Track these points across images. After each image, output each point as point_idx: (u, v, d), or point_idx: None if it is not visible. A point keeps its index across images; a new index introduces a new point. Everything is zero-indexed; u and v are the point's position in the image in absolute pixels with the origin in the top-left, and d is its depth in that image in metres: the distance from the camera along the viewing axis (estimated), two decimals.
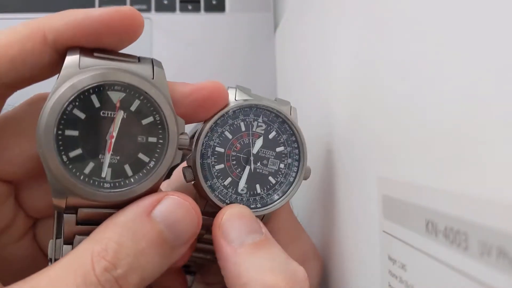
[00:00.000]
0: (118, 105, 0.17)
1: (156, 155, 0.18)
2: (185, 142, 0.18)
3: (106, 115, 0.17)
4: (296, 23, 0.37)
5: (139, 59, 0.19)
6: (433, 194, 0.14)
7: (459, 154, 0.13)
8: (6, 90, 0.17)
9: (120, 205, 0.17)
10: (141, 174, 0.18)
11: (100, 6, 0.47)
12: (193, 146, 0.20)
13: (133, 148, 0.18)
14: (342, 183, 0.23)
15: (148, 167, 0.18)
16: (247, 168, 0.21)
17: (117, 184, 0.17)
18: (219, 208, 0.20)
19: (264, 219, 0.22)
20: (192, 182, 0.21)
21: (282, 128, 0.22)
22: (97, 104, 0.17)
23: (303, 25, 0.34)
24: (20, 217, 0.20)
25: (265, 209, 0.21)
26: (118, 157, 0.17)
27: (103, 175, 0.17)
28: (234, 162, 0.21)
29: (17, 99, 0.19)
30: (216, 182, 0.21)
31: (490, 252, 0.11)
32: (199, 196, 0.21)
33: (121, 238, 0.15)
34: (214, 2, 0.49)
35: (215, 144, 0.21)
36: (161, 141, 0.18)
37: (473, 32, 0.12)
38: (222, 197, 0.21)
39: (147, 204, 0.16)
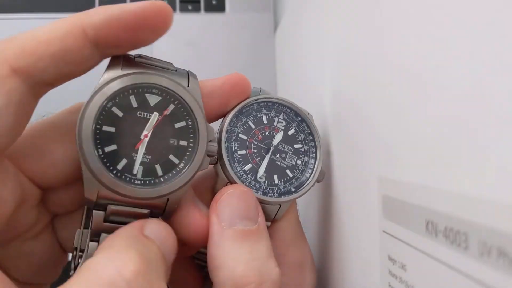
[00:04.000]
0: (154, 107, 0.18)
1: (186, 158, 0.19)
2: (213, 149, 0.19)
3: (142, 115, 0.18)
4: (296, 23, 0.37)
5: (176, 70, 0.20)
6: (433, 194, 0.14)
7: (459, 154, 0.13)
8: (43, 88, 0.17)
9: (147, 205, 0.18)
10: (170, 175, 0.18)
11: (100, 5, 0.47)
12: (218, 131, 0.22)
13: (165, 149, 0.18)
14: (342, 183, 0.23)
15: (178, 169, 0.18)
16: (267, 157, 0.22)
17: (147, 182, 0.18)
18: None
19: (278, 212, 0.22)
20: (213, 165, 0.22)
21: (301, 127, 0.24)
22: (134, 104, 0.18)
23: (303, 25, 0.34)
24: (42, 214, 0.20)
25: (281, 199, 0.22)
26: (150, 157, 0.18)
27: (134, 171, 0.18)
28: (255, 151, 0.22)
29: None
30: (237, 166, 0.22)
31: (490, 252, 0.11)
32: (217, 182, 0.22)
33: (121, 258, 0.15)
34: (214, 2, 0.49)
35: (239, 131, 0.22)
36: (191, 145, 0.19)
37: (475, 30, 0.12)
38: (242, 181, 0.21)
39: (139, 224, 0.17)
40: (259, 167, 0.22)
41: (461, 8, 0.13)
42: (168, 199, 0.18)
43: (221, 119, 0.22)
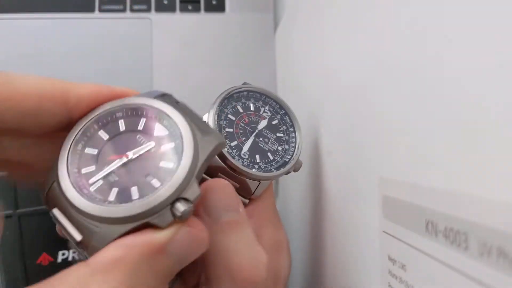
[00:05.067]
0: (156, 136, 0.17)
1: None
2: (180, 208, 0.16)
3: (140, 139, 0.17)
4: (296, 23, 0.37)
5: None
6: (433, 194, 0.14)
7: (460, 154, 0.13)
8: None
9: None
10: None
11: (100, 7, 0.47)
12: (210, 110, 0.23)
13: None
14: (342, 183, 0.23)
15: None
16: (251, 137, 0.24)
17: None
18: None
19: (258, 189, 0.23)
20: None
21: (284, 119, 0.26)
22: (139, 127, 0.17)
23: (303, 25, 0.34)
24: None
25: (263, 174, 0.23)
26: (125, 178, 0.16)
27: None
28: (241, 131, 0.24)
29: None
30: None
31: (490, 252, 0.11)
32: None
33: (132, 281, 0.14)
34: (214, 2, 0.49)
35: (228, 112, 0.24)
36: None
37: (475, 30, 0.12)
38: (228, 153, 0.23)
39: (159, 241, 0.15)
40: (243, 145, 0.24)
41: (460, 8, 0.13)
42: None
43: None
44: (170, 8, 0.48)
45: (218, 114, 0.24)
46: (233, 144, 0.24)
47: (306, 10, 0.32)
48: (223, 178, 0.22)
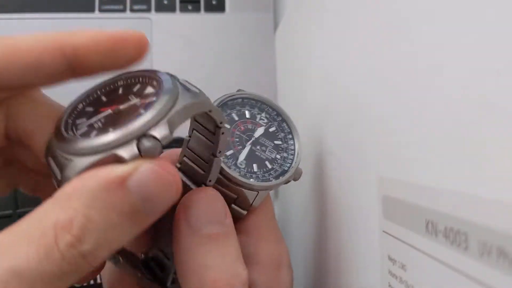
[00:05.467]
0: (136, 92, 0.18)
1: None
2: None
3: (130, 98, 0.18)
4: (296, 23, 0.37)
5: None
6: (433, 194, 0.14)
7: (459, 154, 0.13)
8: (3, 92, 0.17)
9: None
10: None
11: (100, 7, 0.47)
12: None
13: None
14: (342, 183, 0.23)
15: None
16: (247, 145, 0.23)
17: None
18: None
19: (256, 199, 0.22)
20: None
21: (281, 126, 0.25)
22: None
23: (303, 25, 0.34)
24: None
25: (260, 184, 0.22)
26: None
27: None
28: (237, 140, 0.23)
29: None
30: None
31: (490, 252, 0.11)
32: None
33: (88, 210, 0.13)
34: (214, 2, 0.49)
35: None
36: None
37: (474, 29, 0.12)
38: (223, 163, 0.22)
39: (119, 174, 0.14)
40: (239, 154, 0.23)
41: (459, 9, 0.13)
42: None
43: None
44: (170, 8, 0.48)
45: None
46: (228, 153, 0.23)
47: (306, 10, 0.32)
48: (219, 189, 0.22)
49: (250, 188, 0.22)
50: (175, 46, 0.46)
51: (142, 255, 0.22)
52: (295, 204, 0.35)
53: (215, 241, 0.18)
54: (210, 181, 0.20)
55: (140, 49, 0.17)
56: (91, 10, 0.47)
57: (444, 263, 0.13)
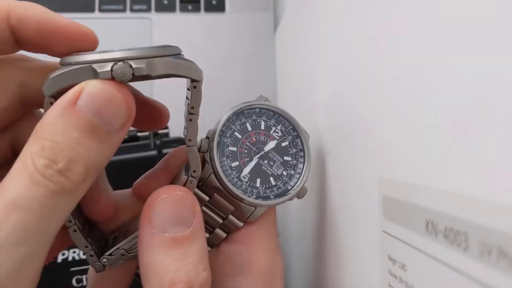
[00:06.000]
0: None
1: None
2: None
3: None
4: (296, 23, 0.37)
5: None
6: (433, 194, 0.14)
7: (459, 154, 0.13)
8: None
9: None
10: None
11: (100, 7, 0.47)
12: (216, 124, 0.22)
13: None
14: (342, 183, 0.23)
15: None
16: (255, 159, 0.23)
17: None
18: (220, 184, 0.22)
19: (253, 214, 0.22)
20: (203, 154, 0.22)
21: (295, 142, 0.24)
22: None
23: (303, 25, 0.34)
24: None
25: (258, 201, 0.22)
26: None
27: None
28: (246, 151, 0.23)
29: None
30: (225, 160, 0.22)
31: (490, 252, 0.11)
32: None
33: (53, 135, 0.15)
34: (214, 2, 0.49)
35: (235, 129, 0.23)
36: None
37: (473, 31, 0.12)
38: (226, 175, 0.22)
39: (69, 97, 0.16)
40: (244, 167, 0.22)
41: (459, 9, 0.13)
42: None
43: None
44: (170, 8, 0.48)
45: (223, 130, 0.22)
46: (234, 164, 0.22)
47: (306, 10, 0.32)
48: (218, 199, 0.22)
49: (248, 203, 0.22)
50: None
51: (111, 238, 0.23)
52: (295, 203, 0.35)
53: (177, 244, 0.18)
54: (189, 140, 0.19)
55: (87, 45, 0.18)
56: (91, 10, 0.47)
57: (444, 263, 0.13)
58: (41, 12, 0.17)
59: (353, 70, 0.22)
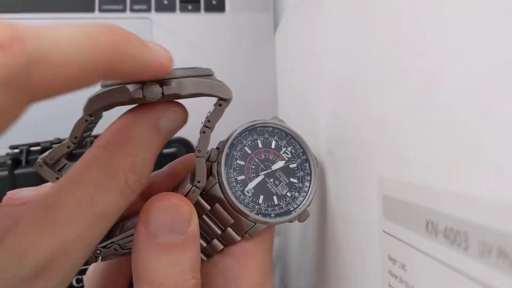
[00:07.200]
0: None
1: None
2: None
3: None
4: (296, 23, 0.37)
5: None
6: (433, 194, 0.14)
7: (460, 154, 0.13)
8: None
9: None
10: None
11: (100, 7, 0.47)
12: (228, 136, 0.23)
13: None
14: (342, 183, 0.23)
15: None
16: (260, 176, 0.23)
17: None
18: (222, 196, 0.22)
19: (251, 229, 0.22)
20: (211, 164, 0.22)
21: (303, 165, 0.24)
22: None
23: (303, 25, 0.34)
24: None
25: (258, 217, 0.22)
26: None
27: None
28: (253, 167, 0.23)
29: None
30: (231, 172, 0.22)
31: (490, 252, 0.11)
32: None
33: (143, 154, 0.17)
34: (214, 2, 0.49)
35: (246, 144, 0.23)
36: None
37: (474, 30, 0.12)
38: (230, 188, 0.22)
39: (155, 119, 0.18)
40: (250, 182, 0.23)
41: (459, 9, 0.13)
42: None
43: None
44: (170, 8, 0.48)
45: (234, 144, 0.23)
46: (240, 178, 0.23)
47: (306, 10, 0.32)
48: (219, 210, 0.22)
49: (248, 218, 0.22)
50: (175, 46, 0.46)
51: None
52: None
53: (169, 250, 0.18)
54: (199, 151, 0.20)
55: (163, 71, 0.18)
56: (91, 10, 0.47)
57: (444, 263, 0.13)
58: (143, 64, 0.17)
59: (353, 70, 0.22)
